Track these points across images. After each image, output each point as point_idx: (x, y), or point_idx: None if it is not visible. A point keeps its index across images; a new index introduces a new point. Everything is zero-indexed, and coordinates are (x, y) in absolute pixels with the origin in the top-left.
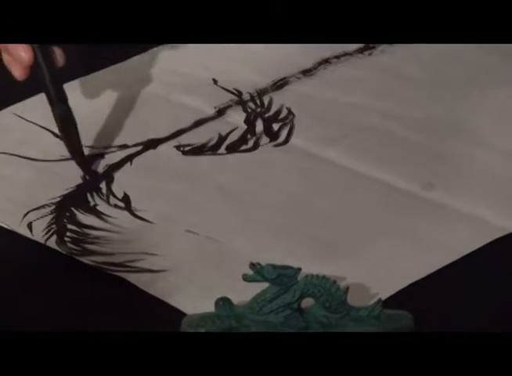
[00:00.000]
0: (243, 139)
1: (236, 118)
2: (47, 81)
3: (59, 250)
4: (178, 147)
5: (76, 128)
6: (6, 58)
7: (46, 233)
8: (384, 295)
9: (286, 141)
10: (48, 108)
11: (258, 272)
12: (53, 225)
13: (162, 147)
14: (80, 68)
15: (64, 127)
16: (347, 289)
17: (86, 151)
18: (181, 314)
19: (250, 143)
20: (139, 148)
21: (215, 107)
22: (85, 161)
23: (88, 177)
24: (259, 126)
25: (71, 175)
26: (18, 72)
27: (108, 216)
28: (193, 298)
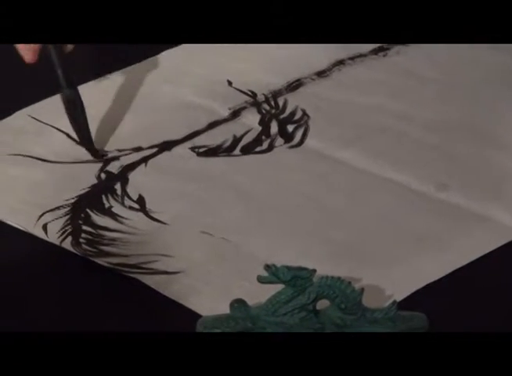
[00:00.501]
0: (257, 141)
1: (251, 120)
2: (55, 65)
3: (75, 251)
4: (192, 149)
5: (83, 111)
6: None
7: (61, 235)
8: (399, 297)
9: (301, 142)
10: (63, 110)
11: (273, 273)
12: (68, 227)
13: (177, 149)
14: (94, 69)
15: (71, 110)
16: (362, 290)
17: (100, 154)
18: (196, 316)
19: (265, 145)
20: (154, 150)
21: (230, 109)
22: (93, 146)
23: (98, 164)
24: (274, 127)
25: (86, 176)
26: (28, 56)
27: (123, 218)
28: (208, 300)
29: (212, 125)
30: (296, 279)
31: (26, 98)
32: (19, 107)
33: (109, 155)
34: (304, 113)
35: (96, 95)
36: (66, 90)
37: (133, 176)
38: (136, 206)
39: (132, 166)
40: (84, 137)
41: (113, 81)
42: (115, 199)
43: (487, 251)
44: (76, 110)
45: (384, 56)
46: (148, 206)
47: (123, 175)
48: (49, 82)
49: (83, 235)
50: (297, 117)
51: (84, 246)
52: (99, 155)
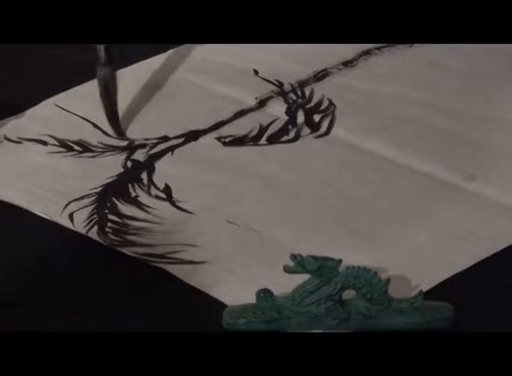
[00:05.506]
0: (284, 130)
1: (277, 109)
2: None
3: (101, 241)
4: (219, 138)
5: (116, 91)
6: None
7: (87, 224)
8: (426, 287)
9: (327, 132)
10: (88, 99)
11: (299, 263)
12: (94, 216)
13: (203, 139)
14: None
15: (105, 88)
16: (388, 280)
17: (126, 143)
18: (222, 305)
19: (291, 134)
20: (181, 140)
21: (256, 98)
22: (119, 126)
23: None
24: (300, 117)
25: (112, 165)
26: None
27: (149, 207)
28: (234, 290)
29: (238, 115)
30: (322, 269)
31: (52, 87)
32: (46, 96)
33: (136, 143)
34: (331, 103)
35: (122, 84)
36: (103, 68)
37: (159, 165)
38: (162, 195)
39: (159, 155)
40: (112, 116)
41: (139, 71)
42: (141, 188)
43: None
44: (109, 90)
45: (410, 46)
46: (174, 195)
47: (149, 164)
48: (75, 72)
49: (109, 224)
50: (323, 106)
51: (110, 235)
52: (124, 136)
